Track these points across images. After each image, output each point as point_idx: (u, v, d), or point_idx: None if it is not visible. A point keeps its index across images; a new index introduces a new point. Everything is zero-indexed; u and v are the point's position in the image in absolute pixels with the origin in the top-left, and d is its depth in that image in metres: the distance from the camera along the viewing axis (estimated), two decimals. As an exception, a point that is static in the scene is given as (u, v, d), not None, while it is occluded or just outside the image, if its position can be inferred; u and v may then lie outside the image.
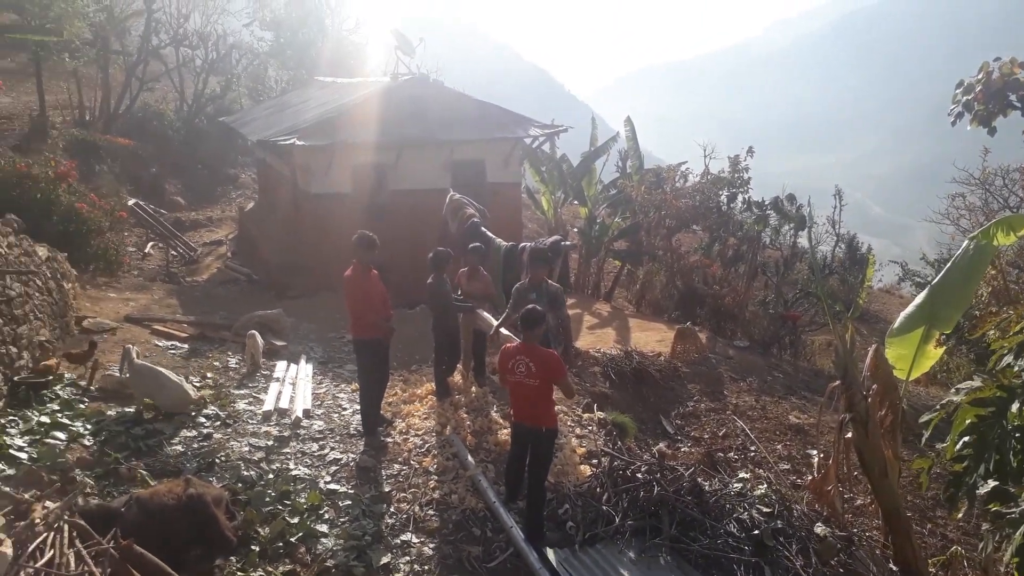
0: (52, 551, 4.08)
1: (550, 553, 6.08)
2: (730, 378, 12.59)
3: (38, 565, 3.90)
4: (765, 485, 7.36)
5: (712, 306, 16.34)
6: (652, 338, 13.79)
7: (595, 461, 7.81)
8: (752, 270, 17.83)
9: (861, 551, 6.73)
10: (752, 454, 10.06)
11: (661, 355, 12.52)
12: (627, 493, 6.65)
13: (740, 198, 18.51)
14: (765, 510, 6.62)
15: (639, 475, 6.83)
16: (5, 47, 24.54)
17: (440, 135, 15.75)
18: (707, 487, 6.89)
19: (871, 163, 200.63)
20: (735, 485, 7.08)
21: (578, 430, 8.68)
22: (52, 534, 4.20)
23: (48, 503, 4.86)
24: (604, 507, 6.57)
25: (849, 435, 7.11)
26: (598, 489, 6.88)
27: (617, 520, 6.38)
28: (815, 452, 9.63)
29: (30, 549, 4.02)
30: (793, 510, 6.87)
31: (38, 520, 4.24)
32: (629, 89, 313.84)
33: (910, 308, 7.06)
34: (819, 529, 6.67)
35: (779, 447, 10.50)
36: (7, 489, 4.66)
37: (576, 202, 21.52)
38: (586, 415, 9.16)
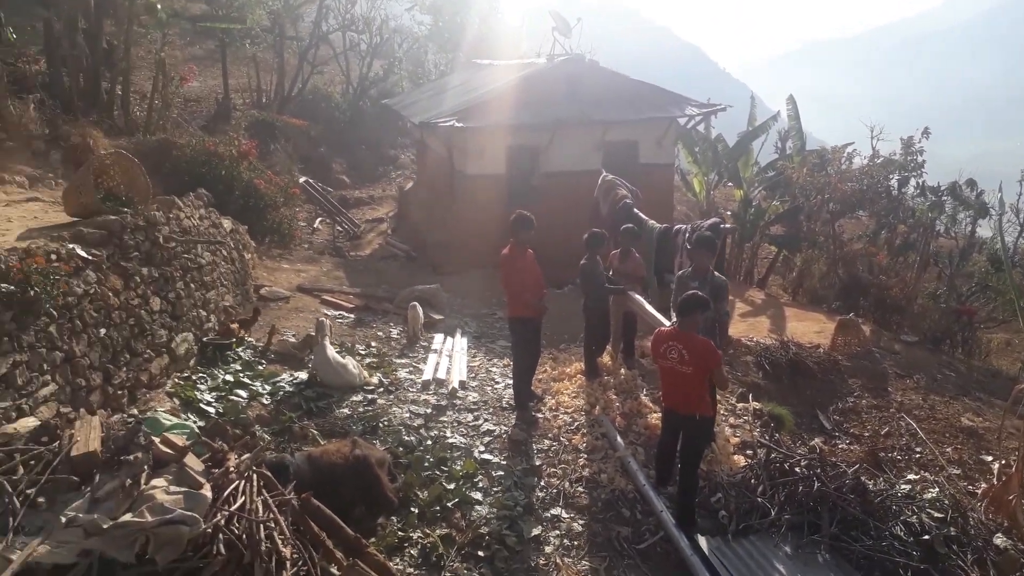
0: (243, 498, 4.47)
1: (701, 540, 6.01)
2: (895, 374, 11.86)
3: (232, 508, 4.29)
4: (936, 489, 6.90)
5: (877, 297, 15.37)
6: (810, 328, 13.21)
7: (749, 452, 7.62)
8: (923, 260, 16.65)
9: (1047, 568, 6.19)
10: (918, 456, 9.46)
11: (820, 347, 11.97)
12: (784, 487, 6.46)
13: (913, 183, 17.28)
14: (936, 515, 6.22)
15: (797, 469, 6.60)
16: (196, 35, 26.69)
17: (594, 115, 15.71)
18: (871, 486, 6.56)
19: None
20: (902, 487, 6.70)
21: (732, 419, 8.50)
22: (243, 482, 4.61)
23: (235, 454, 5.30)
24: (759, 499, 6.41)
25: (1036, 442, 6.54)
26: (753, 480, 6.72)
27: (773, 513, 6.21)
28: (991, 458, 8.93)
29: (225, 494, 4.42)
30: (969, 517, 6.41)
31: (231, 468, 4.67)
32: (790, 67, 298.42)
33: (1117, 307, 6.38)
34: (999, 540, 6.19)
35: (948, 450, 9.80)
36: (205, 439, 5.15)
37: (731, 184, 20.86)
38: (740, 404, 8.94)
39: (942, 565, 5.78)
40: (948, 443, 10.00)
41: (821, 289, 17.11)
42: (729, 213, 21.04)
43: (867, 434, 9.99)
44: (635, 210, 11.76)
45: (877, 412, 10.61)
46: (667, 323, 7.46)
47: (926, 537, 5.96)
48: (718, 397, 8.70)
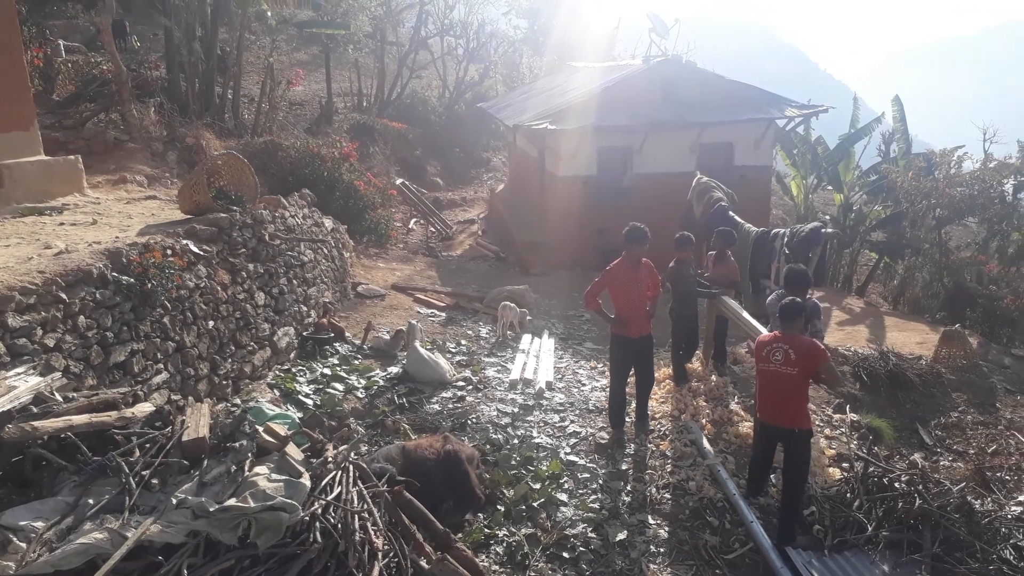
0: (339, 488, 4.63)
1: (793, 554, 5.84)
2: (1004, 390, 11.21)
3: (330, 498, 4.45)
4: (1051, 513, 6.49)
5: (986, 308, 14.60)
6: (911, 339, 12.65)
7: (845, 465, 7.37)
8: (1040, 270, 15.69)
9: None
10: (1030, 476, 8.91)
11: (922, 358, 11.45)
12: (882, 502, 6.21)
13: (1029, 188, 16.30)
14: (1050, 540, 5.85)
15: (897, 484, 6.34)
16: (301, 41, 27.73)
17: (689, 117, 15.51)
18: (978, 506, 6.24)
19: None
20: (1013, 508, 6.34)
21: (827, 431, 8.23)
22: (340, 473, 4.78)
23: (333, 445, 5.50)
24: (855, 514, 6.19)
25: None
26: (849, 494, 6.49)
27: (870, 529, 5.98)
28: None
29: (323, 484, 4.60)
30: (1088, 545, 6.01)
31: (330, 459, 4.85)
32: (897, 68, 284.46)
33: None
34: (1119, 570, 5.78)
35: (1065, 472, 9.20)
36: (305, 430, 5.38)
37: (830, 188, 20.20)
38: (837, 415, 8.65)
39: (1055, 593, 5.46)
40: (1064, 465, 9.39)
41: (924, 298, 16.41)
42: (828, 217, 20.37)
43: (972, 451, 9.49)
44: (730, 213, 11.54)
45: (984, 429, 10.06)
46: (763, 329, 7.28)
47: (1038, 563, 5.63)
48: (813, 407, 8.45)
